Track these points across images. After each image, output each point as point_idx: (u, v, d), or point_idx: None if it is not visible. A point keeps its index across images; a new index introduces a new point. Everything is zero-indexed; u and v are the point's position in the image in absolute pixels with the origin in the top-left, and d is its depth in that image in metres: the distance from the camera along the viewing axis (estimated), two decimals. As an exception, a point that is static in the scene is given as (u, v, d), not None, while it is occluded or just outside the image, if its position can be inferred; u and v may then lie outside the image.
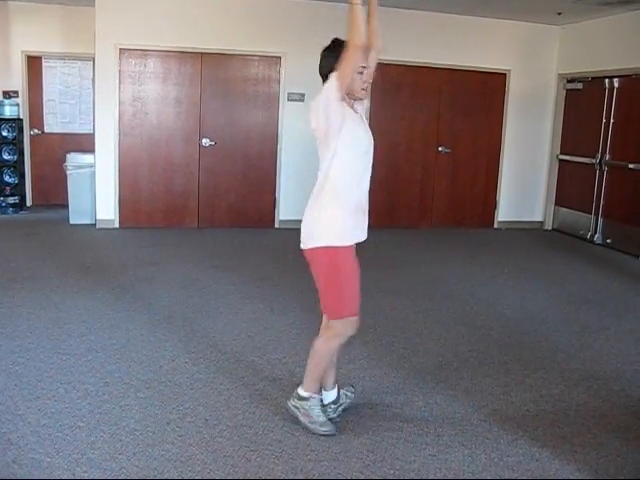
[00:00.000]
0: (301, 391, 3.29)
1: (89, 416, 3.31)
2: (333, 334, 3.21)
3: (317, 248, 3.07)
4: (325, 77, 3.02)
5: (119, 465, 2.88)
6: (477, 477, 2.94)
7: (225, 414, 3.42)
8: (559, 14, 8.40)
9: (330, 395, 3.42)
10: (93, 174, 8.24)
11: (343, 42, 2.94)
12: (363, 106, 3.22)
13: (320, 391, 3.35)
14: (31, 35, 9.13)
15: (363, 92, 3.07)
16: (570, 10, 8.08)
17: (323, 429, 3.23)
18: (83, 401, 3.48)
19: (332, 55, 3.01)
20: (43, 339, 4.36)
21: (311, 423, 3.25)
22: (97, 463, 2.88)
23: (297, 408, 3.29)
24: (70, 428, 3.17)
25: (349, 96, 3.05)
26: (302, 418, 3.27)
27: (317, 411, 3.27)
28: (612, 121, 8.31)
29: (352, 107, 3.10)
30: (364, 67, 3.01)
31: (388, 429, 3.34)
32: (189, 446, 3.08)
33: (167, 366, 4.02)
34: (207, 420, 3.35)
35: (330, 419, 3.30)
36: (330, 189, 3.04)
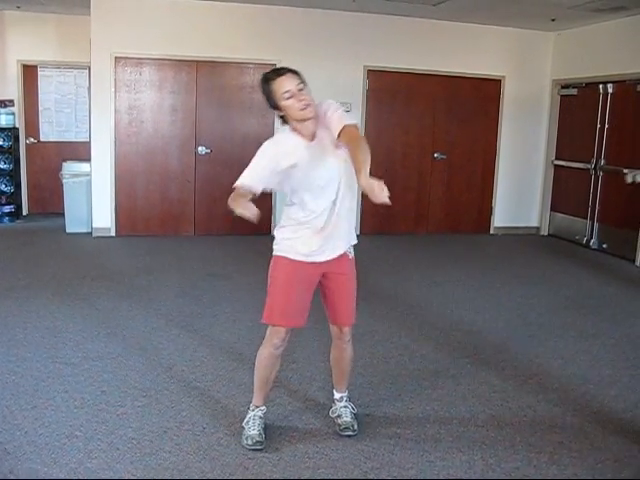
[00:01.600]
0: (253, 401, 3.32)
1: (86, 425, 3.30)
2: (264, 341, 3.19)
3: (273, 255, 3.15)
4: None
5: (116, 474, 2.87)
6: (475, 483, 2.94)
7: (222, 422, 3.41)
8: (553, 20, 8.44)
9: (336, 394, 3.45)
10: (89, 182, 8.24)
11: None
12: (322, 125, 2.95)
13: (262, 403, 3.28)
14: (27, 44, 9.14)
15: (303, 113, 2.85)
16: (564, 16, 8.12)
17: (244, 441, 3.17)
18: (80, 410, 3.47)
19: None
20: (39, 348, 4.35)
21: (242, 432, 3.23)
22: (94, 472, 2.88)
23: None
24: (67, 437, 3.17)
25: (296, 123, 2.91)
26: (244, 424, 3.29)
27: (251, 422, 3.22)
28: (607, 126, 8.33)
29: (305, 135, 2.93)
30: (288, 91, 2.83)
31: (386, 436, 3.34)
32: (186, 454, 3.07)
33: (164, 374, 4.02)
34: (204, 428, 3.34)
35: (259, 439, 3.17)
36: (286, 204, 3.11)
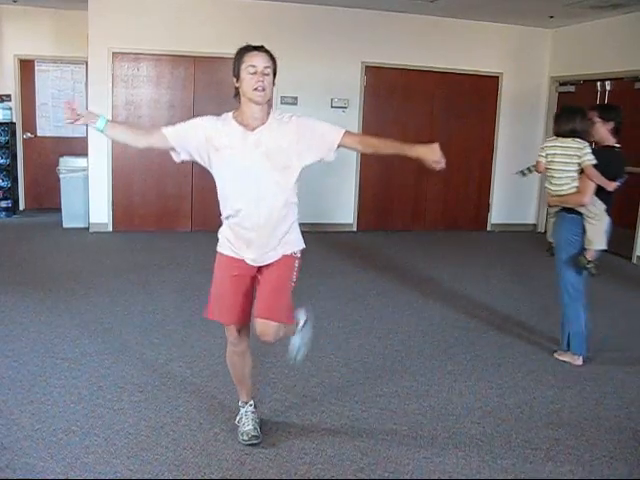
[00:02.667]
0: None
1: (83, 420, 3.30)
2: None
3: None
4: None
5: (113, 469, 2.88)
6: (471, 479, 2.95)
7: (219, 418, 3.42)
8: (551, 17, 8.44)
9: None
10: (86, 178, 8.23)
11: None
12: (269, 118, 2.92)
13: (248, 399, 3.27)
14: (24, 39, 9.10)
15: (254, 93, 2.82)
16: (562, 13, 8.12)
17: (240, 437, 3.17)
18: (77, 405, 3.47)
19: None
20: (36, 343, 4.35)
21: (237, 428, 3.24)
22: (91, 467, 2.88)
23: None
24: (64, 432, 3.17)
25: (244, 102, 2.88)
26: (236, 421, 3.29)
27: (244, 419, 3.23)
28: (604, 124, 8.33)
29: (245, 122, 2.89)
30: (253, 66, 2.83)
31: (382, 432, 3.34)
32: (183, 450, 3.08)
33: (161, 370, 4.02)
34: (201, 424, 3.34)
35: (255, 434, 3.15)
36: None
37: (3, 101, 9.10)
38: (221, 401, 3.62)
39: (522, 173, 4.71)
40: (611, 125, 4.22)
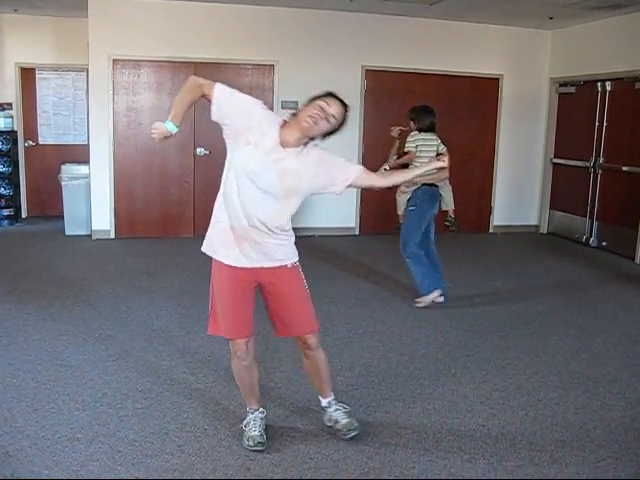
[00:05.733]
0: None
1: (87, 428, 3.30)
2: (231, 353, 3.18)
3: None
4: None
5: (118, 476, 2.88)
6: (476, 482, 2.95)
7: (224, 423, 3.42)
8: (551, 18, 8.44)
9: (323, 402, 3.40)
10: (88, 185, 8.24)
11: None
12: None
13: (258, 406, 3.29)
14: (24, 47, 9.12)
15: (306, 124, 2.88)
16: (561, 14, 8.12)
17: (245, 442, 3.17)
18: (81, 413, 3.47)
19: None
20: (40, 351, 4.35)
21: (243, 433, 3.24)
22: (96, 475, 2.88)
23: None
24: (69, 440, 3.17)
25: (292, 123, 2.93)
26: (243, 425, 3.29)
27: (251, 424, 3.23)
28: (605, 124, 8.33)
29: (282, 137, 2.91)
30: (321, 106, 2.89)
31: (387, 436, 3.34)
32: (188, 456, 3.07)
33: (165, 376, 4.02)
34: (206, 430, 3.34)
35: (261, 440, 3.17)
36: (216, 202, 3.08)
37: (4, 109, 9.11)
38: (225, 407, 3.61)
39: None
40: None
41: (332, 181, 3.03)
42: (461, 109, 9.09)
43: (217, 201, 3.06)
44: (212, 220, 3.11)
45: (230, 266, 3.02)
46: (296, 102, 8.40)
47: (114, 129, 8.13)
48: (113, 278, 6.36)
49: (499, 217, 9.59)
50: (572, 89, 8.94)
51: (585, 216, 8.70)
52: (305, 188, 2.98)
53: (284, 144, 2.91)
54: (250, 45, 8.30)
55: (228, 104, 2.94)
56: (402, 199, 5.84)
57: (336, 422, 3.30)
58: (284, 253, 3.06)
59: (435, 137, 5.58)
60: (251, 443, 3.14)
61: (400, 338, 4.86)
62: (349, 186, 3.06)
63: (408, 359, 4.44)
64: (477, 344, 4.77)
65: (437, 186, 5.59)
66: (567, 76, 8.98)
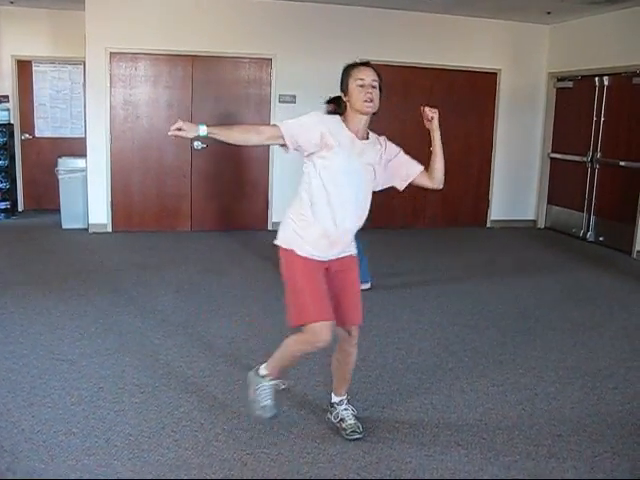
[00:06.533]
0: (262, 369, 3.27)
1: (83, 422, 3.29)
2: (303, 339, 3.02)
3: (279, 247, 3.11)
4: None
5: (114, 471, 2.87)
6: (474, 477, 2.94)
7: (220, 418, 3.41)
8: (548, 13, 8.43)
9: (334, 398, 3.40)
10: (85, 178, 8.22)
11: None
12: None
13: (278, 377, 3.25)
14: (21, 39, 9.08)
15: (364, 104, 2.96)
16: (559, 9, 8.11)
17: (259, 411, 3.21)
18: (77, 407, 3.46)
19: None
20: (36, 345, 4.34)
21: (253, 401, 3.24)
22: (92, 469, 2.87)
23: (251, 382, 3.29)
24: (64, 434, 3.16)
25: (352, 113, 3.02)
26: (250, 392, 3.27)
27: (264, 394, 3.22)
28: (603, 119, 8.33)
29: (352, 129, 3.01)
30: (362, 79, 2.97)
31: (384, 430, 3.33)
32: (185, 450, 3.07)
33: (161, 370, 4.01)
34: (202, 424, 3.34)
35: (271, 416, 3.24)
36: (299, 199, 3.07)
37: (1, 102, 9.08)
38: (222, 401, 3.61)
39: None
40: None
41: (394, 174, 3.24)
42: (459, 103, 9.07)
43: (301, 199, 3.05)
44: (297, 219, 3.06)
45: (308, 258, 3.02)
46: (294, 96, 8.40)
47: (111, 122, 8.10)
48: (109, 272, 6.34)
49: (496, 211, 9.59)
50: (570, 84, 8.93)
51: (582, 211, 8.70)
52: (377, 180, 3.15)
53: (357, 134, 3.02)
54: (248, 38, 8.27)
55: (296, 136, 2.94)
56: None
57: (342, 420, 3.29)
58: (352, 244, 3.20)
59: None
60: (268, 413, 3.23)
61: (397, 332, 4.85)
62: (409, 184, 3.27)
63: (405, 353, 4.44)
64: (474, 339, 4.77)
65: None
66: (565, 71, 8.97)
